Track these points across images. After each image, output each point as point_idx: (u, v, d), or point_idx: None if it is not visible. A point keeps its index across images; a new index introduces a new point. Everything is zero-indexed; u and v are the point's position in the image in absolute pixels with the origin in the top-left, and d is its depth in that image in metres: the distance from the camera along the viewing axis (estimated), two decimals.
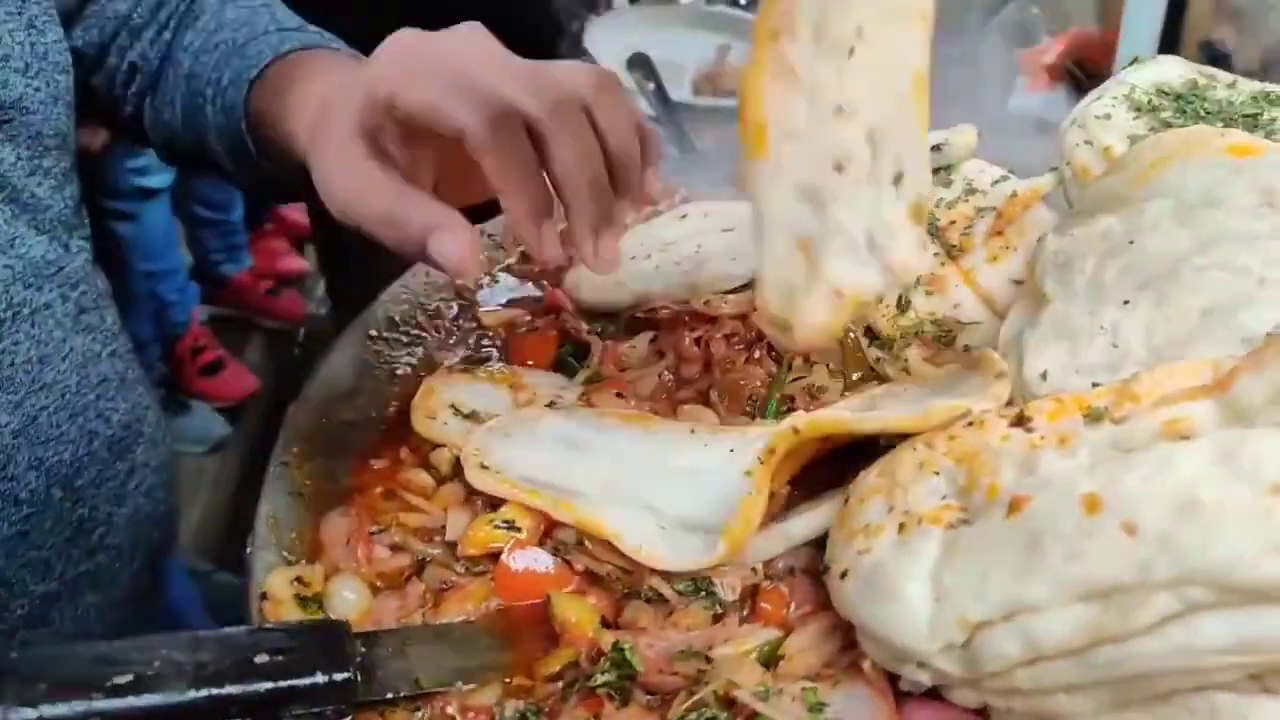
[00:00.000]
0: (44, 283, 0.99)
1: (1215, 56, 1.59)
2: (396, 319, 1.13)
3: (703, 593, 0.81)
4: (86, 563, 1.05)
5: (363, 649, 0.73)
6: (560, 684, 0.76)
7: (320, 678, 0.68)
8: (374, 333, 1.11)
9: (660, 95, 1.90)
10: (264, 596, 0.79)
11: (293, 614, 0.79)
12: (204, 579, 1.59)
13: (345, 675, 0.69)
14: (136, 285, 3.35)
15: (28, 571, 1.00)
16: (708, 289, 1.09)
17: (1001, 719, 0.68)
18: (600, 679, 0.74)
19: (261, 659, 0.68)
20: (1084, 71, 1.96)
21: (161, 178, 3.32)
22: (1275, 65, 1.56)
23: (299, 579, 0.83)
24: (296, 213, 4.54)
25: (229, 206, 3.95)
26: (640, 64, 1.94)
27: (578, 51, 2.13)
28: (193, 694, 0.65)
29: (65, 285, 1.02)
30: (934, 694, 0.70)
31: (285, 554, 0.85)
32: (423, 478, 0.94)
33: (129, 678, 0.64)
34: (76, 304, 1.06)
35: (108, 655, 0.65)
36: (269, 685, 0.67)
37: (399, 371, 1.08)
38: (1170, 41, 1.79)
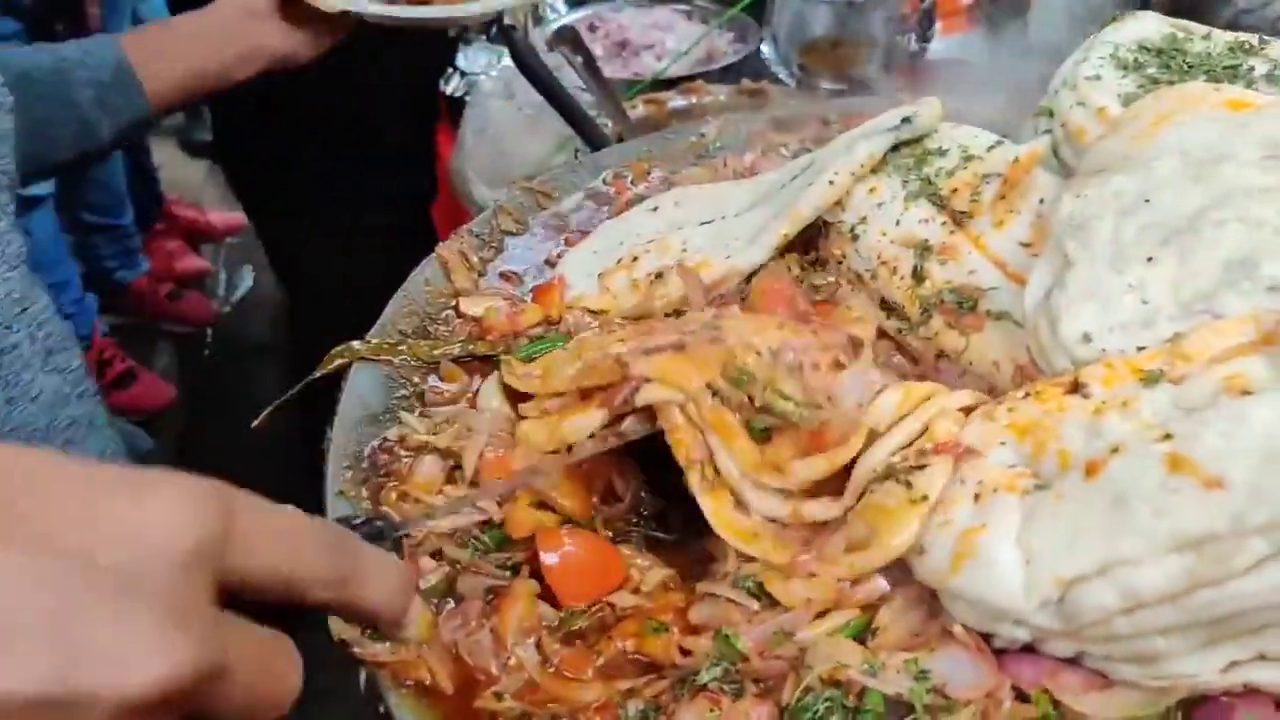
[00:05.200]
0: (11, 321, 0.97)
1: None
2: (406, 331, 1.12)
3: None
4: None
5: None
6: (668, 682, 0.78)
7: None
8: None
9: (591, 69, 1.87)
10: (343, 644, 0.78)
11: (372, 647, 0.78)
12: None
13: None
14: None
15: None
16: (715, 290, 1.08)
17: (1096, 664, 0.72)
18: (706, 675, 0.76)
19: None
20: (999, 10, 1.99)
21: (43, 185, 3.10)
22: (1194, 3, 1.62)
23: None
24: (189, 209, 4.41)
25: (118, 209, 3.79)
26: (567, 38, 1.91)
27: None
28: None
29: (32, 325, 1.00)
30: (1026, 648, 0.74)
31: None
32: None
33: None
34: (44, 345, 1.03)
35: None
36: None
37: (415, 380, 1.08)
38: None
